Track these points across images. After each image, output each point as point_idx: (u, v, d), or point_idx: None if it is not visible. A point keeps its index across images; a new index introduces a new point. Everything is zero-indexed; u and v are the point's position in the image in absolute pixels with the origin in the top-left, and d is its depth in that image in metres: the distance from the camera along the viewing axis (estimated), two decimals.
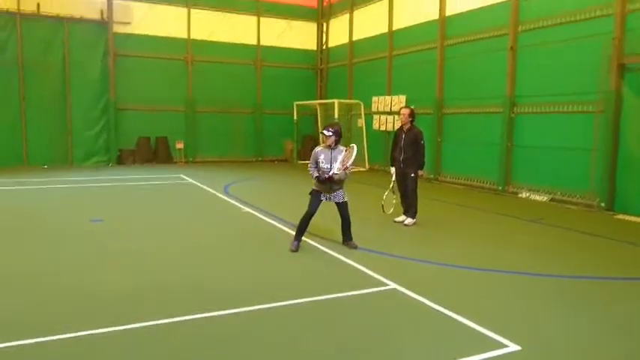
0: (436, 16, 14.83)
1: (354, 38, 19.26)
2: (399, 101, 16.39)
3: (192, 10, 19.19)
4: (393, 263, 6.49)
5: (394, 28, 16.88)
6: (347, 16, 19.55)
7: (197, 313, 4.58)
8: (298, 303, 4.94)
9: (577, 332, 4.43)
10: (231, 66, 19.92)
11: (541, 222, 9.26)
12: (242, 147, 20.41)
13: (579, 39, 10.85)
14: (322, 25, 21.48)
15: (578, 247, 7.66)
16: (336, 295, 5.18)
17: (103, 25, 17.76)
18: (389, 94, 17.05)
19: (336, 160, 6.65)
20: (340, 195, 6.91)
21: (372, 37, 18.07)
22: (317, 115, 20.49)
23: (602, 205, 10.25)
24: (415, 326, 4.48)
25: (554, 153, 11.43)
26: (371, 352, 3.94)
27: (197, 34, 19.32)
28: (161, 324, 4.34)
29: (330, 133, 6.66)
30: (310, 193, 6.90)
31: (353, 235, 7.10)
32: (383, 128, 17.24)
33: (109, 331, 4.16)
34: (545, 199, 11.51)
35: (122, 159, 18.23)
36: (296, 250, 6.76)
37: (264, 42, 20.49)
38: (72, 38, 17.36)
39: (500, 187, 12.69)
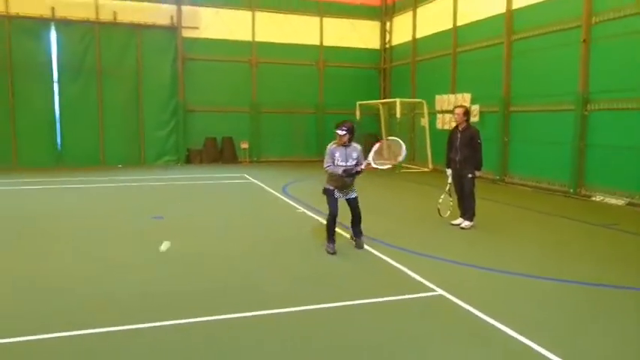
0: (503, 10, 14.17)
1: (418, 36, 18.85)
2: (463, 99, 15.83)
3: (256, 13, 19.60)
4: (444, 268, 6.25)
5: (459, 24, 16.33)
6: (410, 13, 19.17)
7: (230, 313, 4.65)
8: (340, 306, 4.88)
9: (629, 353, 4.04)
10: (295, 67, 20.14)
11: (614, 228, 8.59)
12: (304, 147, 20.58)
13: None
14: (385, 23, 21.20)
15: None
16: (379, 299, 5.07)
17: (172, 30, 18.56)
18: (453, 93, 16.52)
19: (351, 157, 6.69)
20: (354, 191, 6.98)
21: (436, 33, 17.60)
22: (380, 115, 20.26)
23: None
24: (455, 335, 4.27)
25: (632, 153, 10.56)
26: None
27: (261, 37, 19.71)
28: (207, 321, 4.45)
29: (344, 132, 6.68)
30: (324, 193, 6.96)
31: (409, 238, 6.98)
32: (447, 127, 16.69)
33: (155, 326, 4.31)
34: (621, 202, 10.67)
35: (190, 158, 18.97)
36: (333, 252, 6.71)
37: (326, 42, 20.55)
38: (144, 44, 18.29)
39: (571, 190, 11.91)
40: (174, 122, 18.83)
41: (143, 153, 18.64)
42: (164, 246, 6.85)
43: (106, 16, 17.79)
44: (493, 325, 4.42)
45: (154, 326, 4.35)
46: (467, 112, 8.36)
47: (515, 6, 13.87)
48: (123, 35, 18.08)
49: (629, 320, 4.63)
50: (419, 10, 18.73)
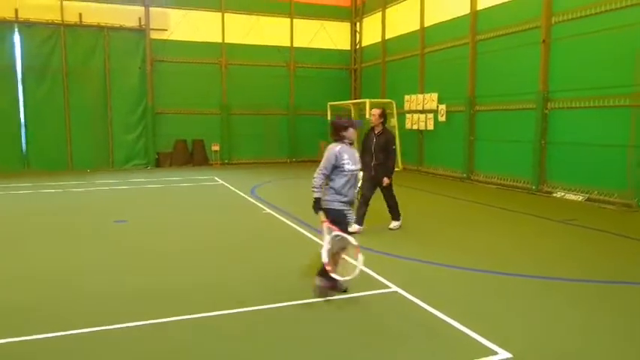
0: (467, 11, 14.42)
1: (387, 36, 19.03)
2: (430, 99, 16.07)
3: (226, 15, 19.53)
4: (400, 265, 6.35)
5: (426, 25, 16.55)
6: (379, 14, 19.34)
7: (185, 315, 4.64)
8: (294, 305, 4.91)
9: (574, 340, 4.17)
10: (265, 68, 20.13)
11: (572, 223, 8.82)
12: (276, 148, 20.58)
13: (614, 29, 10.27)
14: (355, 24, 21.35)
15: (606, 249, 7.23)
16: (336, 297, 5.11)
17: (140, 32, 18.36)
18: (421, 93, 16.73)
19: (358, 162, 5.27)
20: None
21: (405, 34, 17.80)
22: (351, 116, 20.36)
23: None
24: (409, 332, 4.34)
25: (590, 150, 10.86)
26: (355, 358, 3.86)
27: (231, 38, 19.64)
28: (155, 323, 4.43)
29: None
30: (329, 217, 5.06)
31: (373, 237, 7.09)
32: (415, 127, 16.93)
33: (111, 329, 4.28)
34: (580, 198, 10.95)
35: (160, 162, 18.79)
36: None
37: (297, 43, 20.58)
38: (112, 46, 18.04)
39: (534, 187, 12.18)
40: (143, 125, 18.63)
41: (112, 157, 18.39)
42: None
43: (71, 18, 17.50)
44: (440, 318, 4.51)
45: (107, 329, 4.32)
46: (383, 115, 7.85)
47: (479, 7, 14.12)
48: (89, 37, 17.81)
49: (574, 311, 4.77)
50: (388, 11, 18.91)
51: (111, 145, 18.32)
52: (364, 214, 7.84)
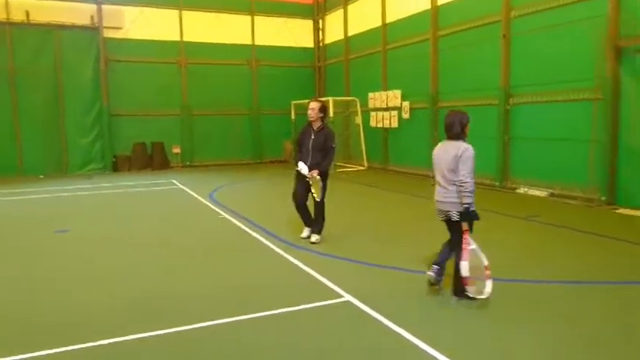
0: (428, 6, 14.22)
1: (350, 33, 18.73)
2: (394, 96, 15.83)
3: (184, 12, 18.88)
4: (355, 270, 5.98)
5: (387, 21, 16.30)
6: (341, 11, 19.02)
7: (128, 334, 4.16)
8: (238, 320, 4.49)
9: (522, 348, 3.88)
10: (226, 67, 19.55)
11: (535, 219, 8.64)
12: (240, 149, 20.03)
13: (574, 22, 10.17)
14: (318, 21, 20.98)
15: (566, 246, 7.04)
16: (283, 309, 4.71)
17: (93, 30, 17.56)
18: (385, 90, 16.47)
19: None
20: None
21: (367, 31, 17.52)
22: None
23: (603, 199, 9.57)
24: (358, 346, 3.98)
25: (553, 145, 10.76)
26: None
27: (190, 37, 18.99)
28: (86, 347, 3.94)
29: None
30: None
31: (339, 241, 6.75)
32: (380, 125, 16.67)
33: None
34: (544, 194, 10.84)
35: (118, 165, 18.02)
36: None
37: (259, 41, 20.07)
38: (62, 45, 17.17)
39: (497, 183, 12.04)
40: (99, 128, 17.81)
41: (66, 161, 17.52)
42: None
43: (17, 16, 16.59)
44: (390, 329, 4.17)
45: (52, 353, 3.81)
46: (323, 109, 7.04)
47: (440, 2, 13.93)
48: (38, 36, 16.90)
49: (526, 313, 4.50)
50: (349, 8, 18.61)
51: (65, 149, 17.46)
52: (307, 216, 7.23)
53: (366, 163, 17.32)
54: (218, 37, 19.39)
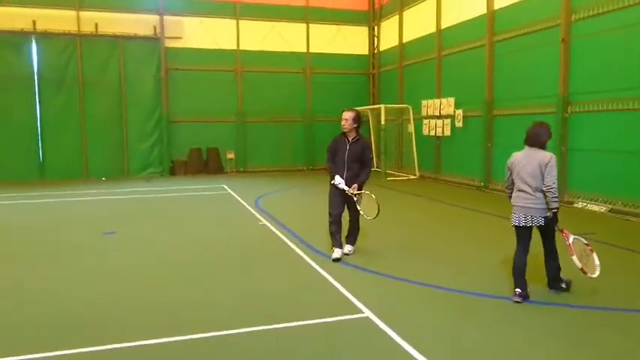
0: (484, 11, 13.71)
1: (405, 40, 18.42)
2: (447, 104, 15.38)
3: (241, 21, 19.34)
4: (385, 286, 5.78)
5: (442, 27, 15.89)
6: (397, 17, 18.76)
7: (149, 339, 4.23)
8: (254, 331, 4.45)
9: None
10: (281, 75, 19.82)
11: (591, 237, 8.03)
12: (292, 156, 20.21)
13: (638, 25, 9.42)
14: (373, 28, 20.82)
15: (621, 268, 6.48)
16: (299, 322, 4.63)
17: (155, 40, 18.36)
18: (438, 97, 16.04)
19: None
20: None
21: (421, 37, 17.17)
22: (369, 122, 19.85)
23: None
24: None
25: (615, 157, 10.00)
26: None
27: (246, 45, 19.43)
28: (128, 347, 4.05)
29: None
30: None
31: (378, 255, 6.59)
32: (432, 133, 16.25)
33: (83, 352, 3.93)
34: (603, 209, 10.10)
35: (175, 170, 18.69)
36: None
37: (313, 49, 20.21)
38: (127, 55, 18.10)
39: None
40: (158, 133, 18.58)
41: (127, 165, 18.40)
42: None
43: (87, 28, 17.65)
44: (410, 354, 3.96)
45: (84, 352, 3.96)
46: (358, 118, 6.70)
47: (496, 6, 13.40)
48: (105, 47, 17.92)
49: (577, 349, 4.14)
50: (405, 14, 18.32)
51: (126, 154, 18.34)
52: (340, 234, 6.86)
53: (417, 172, 16.92)
54: (273, 45, 19.69)
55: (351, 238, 7.02)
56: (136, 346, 4.18)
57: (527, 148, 5.31)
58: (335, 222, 6.78)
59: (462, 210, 10.93)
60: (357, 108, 18.80)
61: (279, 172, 19.36)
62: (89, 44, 17.74)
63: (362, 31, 20.93)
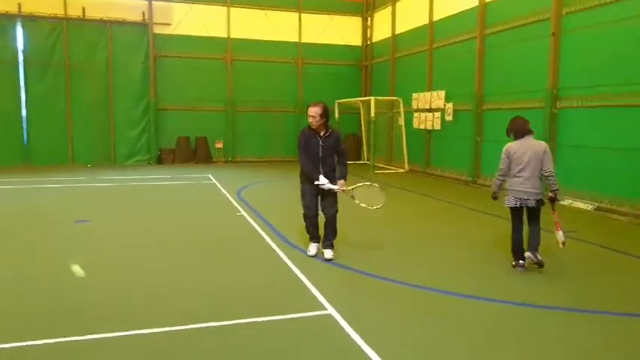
0: (476, 3, 13.46)
1: (397, 32, 18.14)
2: (438, 97, 15.17)
3: (232, 9, 19.01)
4: (356, 283, 5.61)
5: (435, 19, 15.62)
6: (390, 8, 18.46)
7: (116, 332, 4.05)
8: (208, 327, 4.27)
9: None
10: (272, 64, 19.53)
11: (572, 236, 7.87)
12: (282, 146, 19.95)
13: (631, 19, 9.21)
14: (367, 19, 20.52)
15: (602, 269, 6.32)
16: (259, 318, 4.44)
17: (144, 26, 18.04)
18: (429, 90, 15.82)
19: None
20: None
21: (414, 29, 16.90)
22: (360, 114, 19.63)
23: None
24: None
25: (603, 153, 9.82)
26: None
27: (237, 33, 19.12)
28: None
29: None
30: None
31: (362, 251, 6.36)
32: (422, 127, 16.04)
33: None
34: (590, 207, 9.93)
35: (162, 158, 18.44)
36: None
37: (305, 39, 19.91)
38: (114, 41, 17.78)
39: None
40: (146, 121, 18.31)
41: (114, 152, 18.14)
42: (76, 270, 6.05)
43: (74, 12, 17.31)
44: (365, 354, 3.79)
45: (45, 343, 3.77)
46: (325, 112, 6.20)
47: None
48: (92, 31, 17.59)
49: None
50: (398, 5, 18.03)
51: (113, 141, 18.07)
52: (317, 230, 6.57)
53: (407, 166, 16.73)
54: (265, 34, 19.39)
55: (328, 243, 6.45)
56: (69, 341, 3.99)
57: (527, 136, 5.87)
58: (312, 224, 6.52)
59: (447, 205, 10.75)
60: (349, 99, 18.71)
61: (268, 163, 19.13)
62: (76, 28, 17.41)
63: (355, 22, 20.64)
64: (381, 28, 19.44)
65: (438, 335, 4.22)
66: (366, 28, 20.61)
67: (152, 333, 4.15)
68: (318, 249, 6.54)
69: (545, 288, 5.46)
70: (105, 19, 17.58)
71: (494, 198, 6.23)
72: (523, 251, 5.90)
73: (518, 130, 5.90)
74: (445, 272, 5.98)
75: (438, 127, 15.24)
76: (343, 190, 6.25)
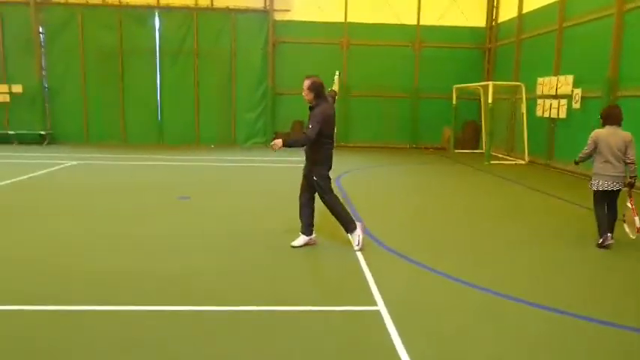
0: None
1: (524, 10, 16.62)
2: (565, 82, 13.65)
3: None
4: (420, 279, 5.31)
5: None
6: None
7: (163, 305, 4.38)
8: (264, 310, 4.35)
9: None
10: (388, 48, 19.12)
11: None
12: (396, 132, 19.55)
13: None
14: None
15: None
16: (305, 307, 4.43)
17: (265, 13, 18.75)
18: (555, 75, 14.29)
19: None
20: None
21: (543, 7, 15.32)
22: (480, 100, 18.46)
23: None
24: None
25: None
26: None
27: (354, 17, 18.99)
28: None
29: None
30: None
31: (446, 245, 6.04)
32: (547, 115, 14.59)
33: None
34: None
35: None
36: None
37: (424, 21, 19.14)
38: (238, 28, 18.75)
39: None
40: (264, 105, 19.15)
41: (234, 134, 19.29)
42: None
43: (203, 2, 18.57)
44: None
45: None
46: (313, 85, 5.99)
47: None
48: (218, 20, 18.71)
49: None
50: None
51: (233, 123, 19.21)
52: (307, 219, 6.32)
53: (527, 157, 15.40)
54: (382, 17, 18.98)
55: (344, 227, 6.23)
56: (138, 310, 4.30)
57: (609, 127, 6.31)
58: (300, 207, 6.39)
59: (564, 204, 9.65)
60: (468, 84, 17.66)
61: (380, 149, 18.87)
62: (205, 17, 18.67)
63: (479, 1, 19.30)
64: (508, 8, 17.94)
65: (498, 353, 3.80)
66: (491, 8, 19.19)
67: (245, 310, 4.36)
68: (304, 242, 6.29)
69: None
70: (230, 7, 18.59)
71: (576, 163, 6.76)
72: (608, 226, 6.31)
73: (607, 117, 6.37)
74: (518, 277, 5.39)
75: (563, 115, 13.74)
76: (272, 146, 5.83)
